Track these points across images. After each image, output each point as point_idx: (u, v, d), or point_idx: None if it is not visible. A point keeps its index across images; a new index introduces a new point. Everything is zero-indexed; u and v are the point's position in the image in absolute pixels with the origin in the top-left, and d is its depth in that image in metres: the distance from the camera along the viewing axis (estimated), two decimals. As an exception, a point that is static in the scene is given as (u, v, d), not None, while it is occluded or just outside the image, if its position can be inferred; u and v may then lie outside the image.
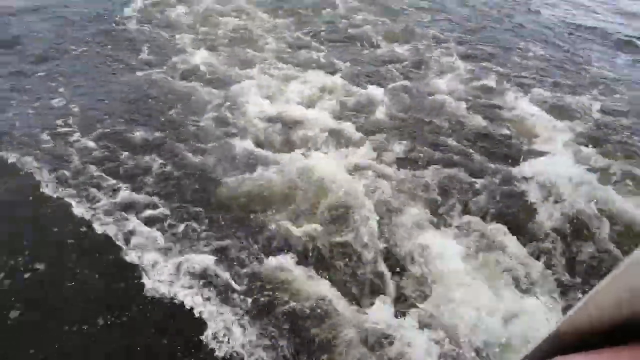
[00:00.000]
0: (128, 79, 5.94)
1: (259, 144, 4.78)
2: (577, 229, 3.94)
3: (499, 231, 3.72)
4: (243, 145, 4.71)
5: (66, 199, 3.92)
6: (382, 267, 3.42)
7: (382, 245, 3.57)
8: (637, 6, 13.53)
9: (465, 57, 7.49)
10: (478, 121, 5.48)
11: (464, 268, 3.33)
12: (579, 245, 3.75)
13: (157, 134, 4.84)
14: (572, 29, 9.90)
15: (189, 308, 3.07)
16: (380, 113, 5.47)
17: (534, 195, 4.18)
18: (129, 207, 3.86)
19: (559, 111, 5.82)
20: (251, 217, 3.85)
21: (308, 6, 9.44)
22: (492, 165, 4.64)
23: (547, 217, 3.95)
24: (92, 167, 4.27)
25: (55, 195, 3.96)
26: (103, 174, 4.20)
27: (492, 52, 7.95)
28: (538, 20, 10.48)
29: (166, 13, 8.27)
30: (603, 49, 8.99)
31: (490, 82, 6.68)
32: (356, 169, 4.41)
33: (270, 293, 3.17)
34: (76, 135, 4.72)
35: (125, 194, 3.99)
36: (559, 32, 9.62)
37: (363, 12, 9.19)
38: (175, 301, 3.12)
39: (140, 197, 3.98)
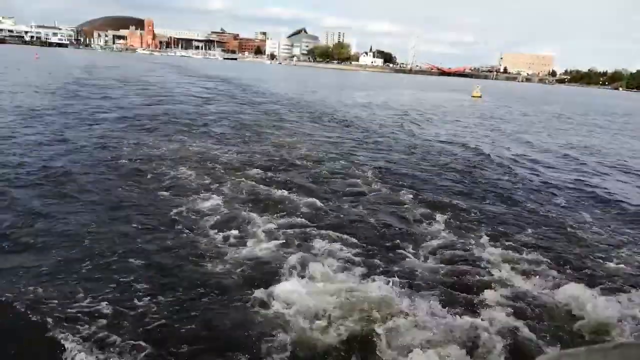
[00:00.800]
0: (122, 197, 7.53)
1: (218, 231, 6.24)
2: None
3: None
4: (209, 235, 6.14)
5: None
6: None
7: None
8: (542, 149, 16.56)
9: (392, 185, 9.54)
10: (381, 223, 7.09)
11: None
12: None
13: (140, 231, 6.18)
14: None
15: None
16: (309, 216, 7.08)
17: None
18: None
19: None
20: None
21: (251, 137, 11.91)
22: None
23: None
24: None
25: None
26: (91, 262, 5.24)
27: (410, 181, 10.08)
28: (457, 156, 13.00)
29: (151, 153, 10.67)
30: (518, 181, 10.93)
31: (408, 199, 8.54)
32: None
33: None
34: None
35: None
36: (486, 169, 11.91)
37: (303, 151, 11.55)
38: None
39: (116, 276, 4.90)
